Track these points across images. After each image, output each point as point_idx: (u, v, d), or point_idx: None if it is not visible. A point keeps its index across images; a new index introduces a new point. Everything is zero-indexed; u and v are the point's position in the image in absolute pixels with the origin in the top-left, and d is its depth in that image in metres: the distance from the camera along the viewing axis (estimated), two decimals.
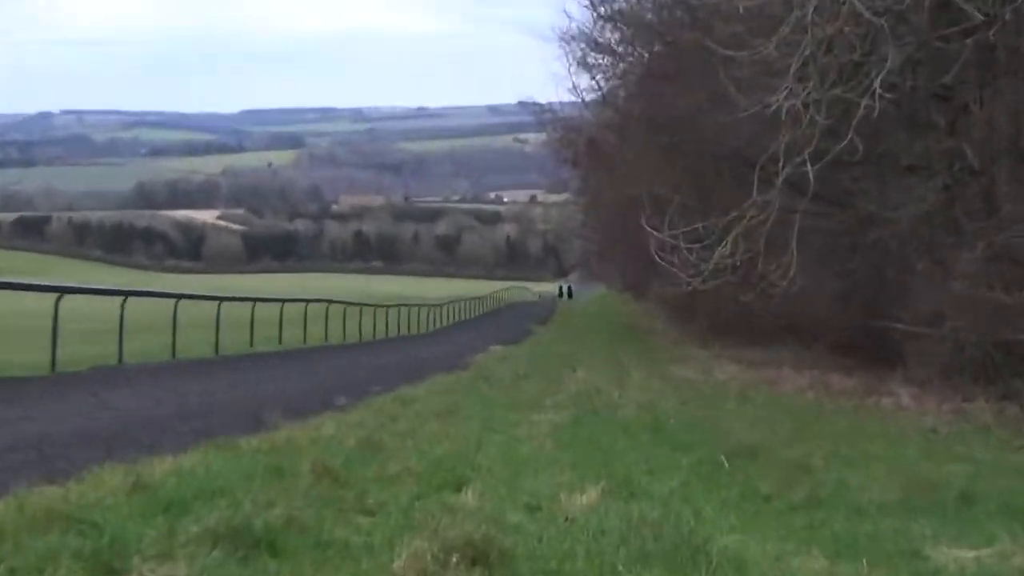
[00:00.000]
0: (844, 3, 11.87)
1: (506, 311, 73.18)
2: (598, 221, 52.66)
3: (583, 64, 35.17)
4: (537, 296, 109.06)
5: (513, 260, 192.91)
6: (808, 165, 11.98)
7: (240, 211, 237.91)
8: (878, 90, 11.52)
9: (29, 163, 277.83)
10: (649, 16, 28.05)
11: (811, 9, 11.93)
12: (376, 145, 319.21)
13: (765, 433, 11.56)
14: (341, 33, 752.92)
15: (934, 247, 18.29)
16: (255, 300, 28.55)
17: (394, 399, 14.21)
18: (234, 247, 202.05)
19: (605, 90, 36.72)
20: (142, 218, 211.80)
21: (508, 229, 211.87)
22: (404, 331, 43.40)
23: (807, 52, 12.20)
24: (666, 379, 19.84)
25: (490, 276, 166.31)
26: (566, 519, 6.48)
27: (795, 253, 12.55)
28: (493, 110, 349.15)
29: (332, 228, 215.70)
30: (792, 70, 12.13)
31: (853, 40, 12.39)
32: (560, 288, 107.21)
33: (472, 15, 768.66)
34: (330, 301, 36.17)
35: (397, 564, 5.23)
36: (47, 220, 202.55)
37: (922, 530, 6.72)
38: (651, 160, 25.67)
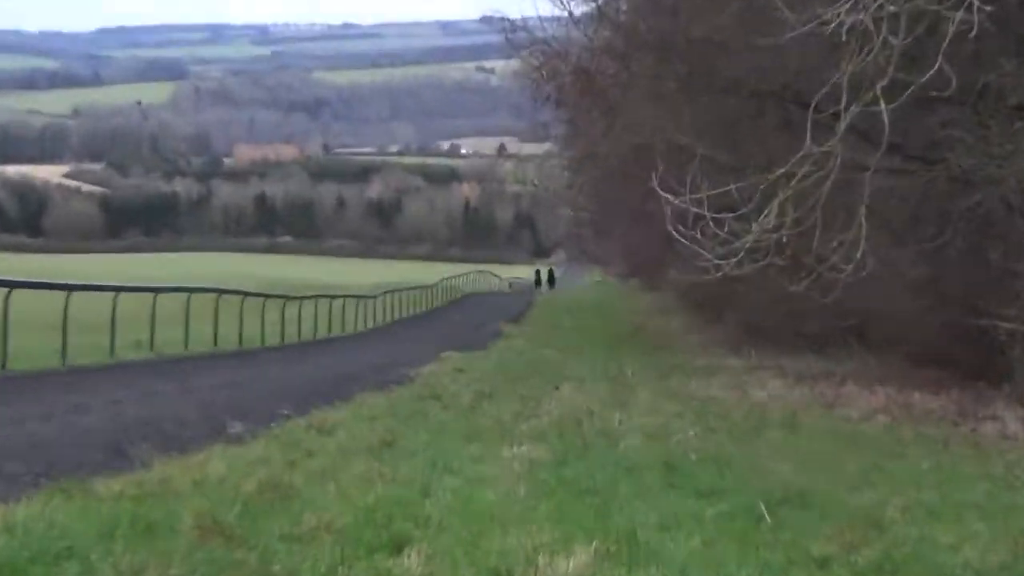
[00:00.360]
0: None
1: (464, 305, 73.16)
2: (592, 182, 52.59)
3: None
4: (507, 285, 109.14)
5: (474, 235, 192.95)
6: (881, 104, 11.97)
7: (97, 167, 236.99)
8: (975, 0, 11.53)
9: None
10: None
11: None
12: (285, 76, 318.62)
13: (821, 473, 11.58)
14: None
15: None
16: (117, 289, 28.38)
17: (309, 426, 14.16)
18: (89, 217, 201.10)
19: (601, 1, 36.65)
20: None
21: (467, 192, 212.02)
22: (323, 332, 43.30)
23: None
24: (684, 399, 19.88)
25: (443, 257, 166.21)
26: None
27: (864, 225, 12.52)
28: (446, 28, 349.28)
29: (224, 191, 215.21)
30: None
31: None
32: (538, 274, 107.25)
33: None
34: (221, 291, 36.00)
35: None
36: None
37: None
38: (665, 97, 25.63)
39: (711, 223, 12.46)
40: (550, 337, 41.72)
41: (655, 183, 12.86)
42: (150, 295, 30.40)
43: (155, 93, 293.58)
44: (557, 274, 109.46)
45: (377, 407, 16.99)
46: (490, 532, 8.11)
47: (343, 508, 8.66)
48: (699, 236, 12.64)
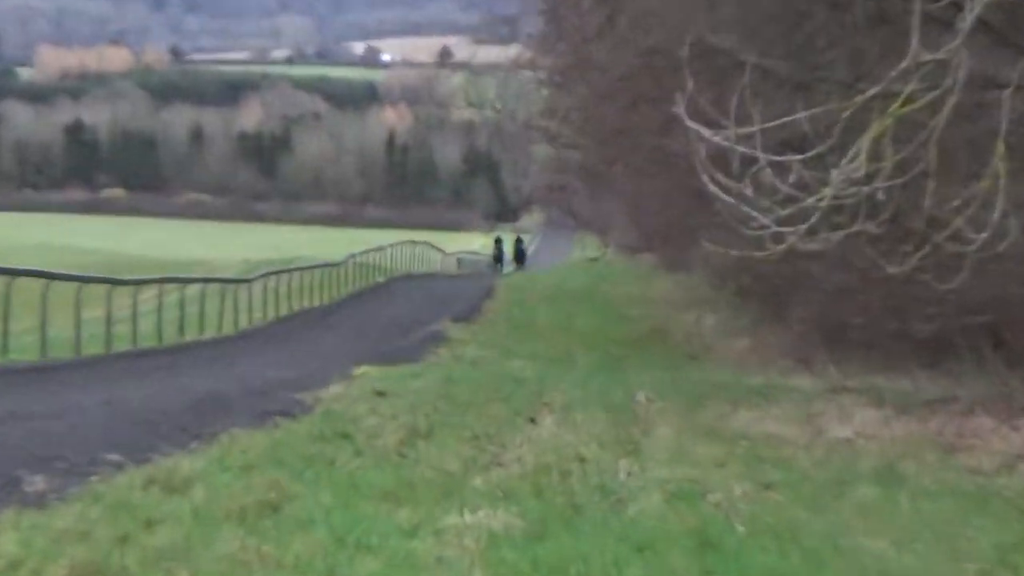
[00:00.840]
0: None
1: (389, 293, 73.23)
2: (583, 105, 52.68)
3: None
4: (455, 262, 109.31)
5: (404, 187, 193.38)
6: None
7: None
8: None
9: None
10: None
11: None
12: None
13: (936, 553, 11.61)
14: None
15: None
16: None
17: (150, 481, 14.16)
18: None
19: None
20: None
21: (392, 120, 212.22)
22: (172, 334, 43.31)
23: None
24: (727, 438, 19.92)
25: (355, 220, 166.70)
26: None
27: (1002, 172, 12.57)
28: None
29: (20, 118, 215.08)
30: None
31: None
32: (499, 245, 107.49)
33: None
34: (14, 272, 35.90)
35: None
36: None
37: None
38: None
39: (769, 170, 12.47)
40: (519, 343, 41.89)
41: (680, 108, 12.84)
42: None
43: None
44: (529, 246, 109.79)
45: (255, 451, 17.00)
46: None
47: None
48: (748, 189, 12.64)
